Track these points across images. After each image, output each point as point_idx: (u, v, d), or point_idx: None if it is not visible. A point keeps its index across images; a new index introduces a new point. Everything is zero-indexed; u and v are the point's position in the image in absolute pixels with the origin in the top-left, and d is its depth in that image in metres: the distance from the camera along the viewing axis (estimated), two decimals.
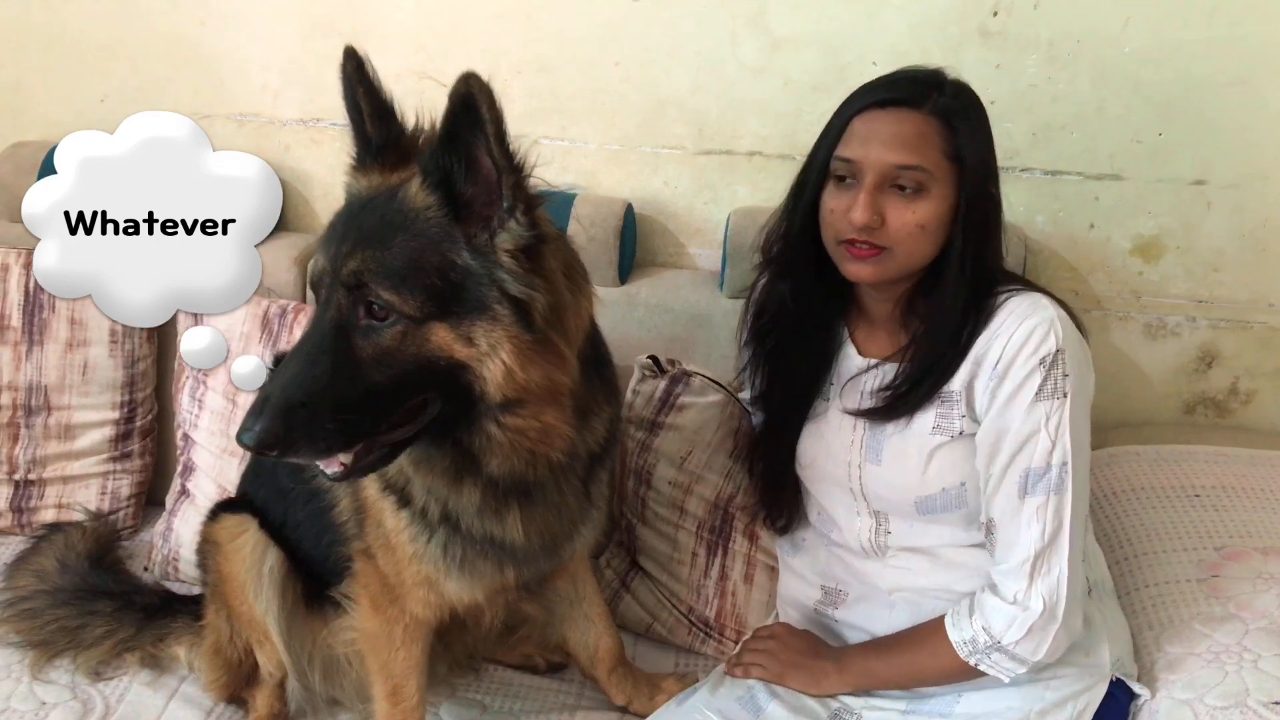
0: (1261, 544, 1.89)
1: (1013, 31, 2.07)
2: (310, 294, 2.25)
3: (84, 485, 2.25)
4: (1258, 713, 1.52)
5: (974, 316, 1.53)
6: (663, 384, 2.00)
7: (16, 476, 2.23)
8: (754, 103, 2.21)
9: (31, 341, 2.20)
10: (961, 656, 1.54)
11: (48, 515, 2.24)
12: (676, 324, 2.19)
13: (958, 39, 2.08)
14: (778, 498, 1.79)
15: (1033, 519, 1.49)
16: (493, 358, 1.27)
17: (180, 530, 2.15)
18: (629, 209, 2.23)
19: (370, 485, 1.57)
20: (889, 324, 1.64)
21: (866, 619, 1.71)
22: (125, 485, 2.28)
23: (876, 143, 1.49)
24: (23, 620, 1.97)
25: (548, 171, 2.22)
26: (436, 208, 1.28)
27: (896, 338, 1.63)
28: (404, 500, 1.53)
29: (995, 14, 2.06)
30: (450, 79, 2.46)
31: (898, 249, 1.51)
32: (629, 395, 2.02)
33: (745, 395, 1.89)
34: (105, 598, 1.97)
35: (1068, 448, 1.48)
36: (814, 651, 1.72)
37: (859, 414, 1.62)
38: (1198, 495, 1.99)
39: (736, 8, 2.15)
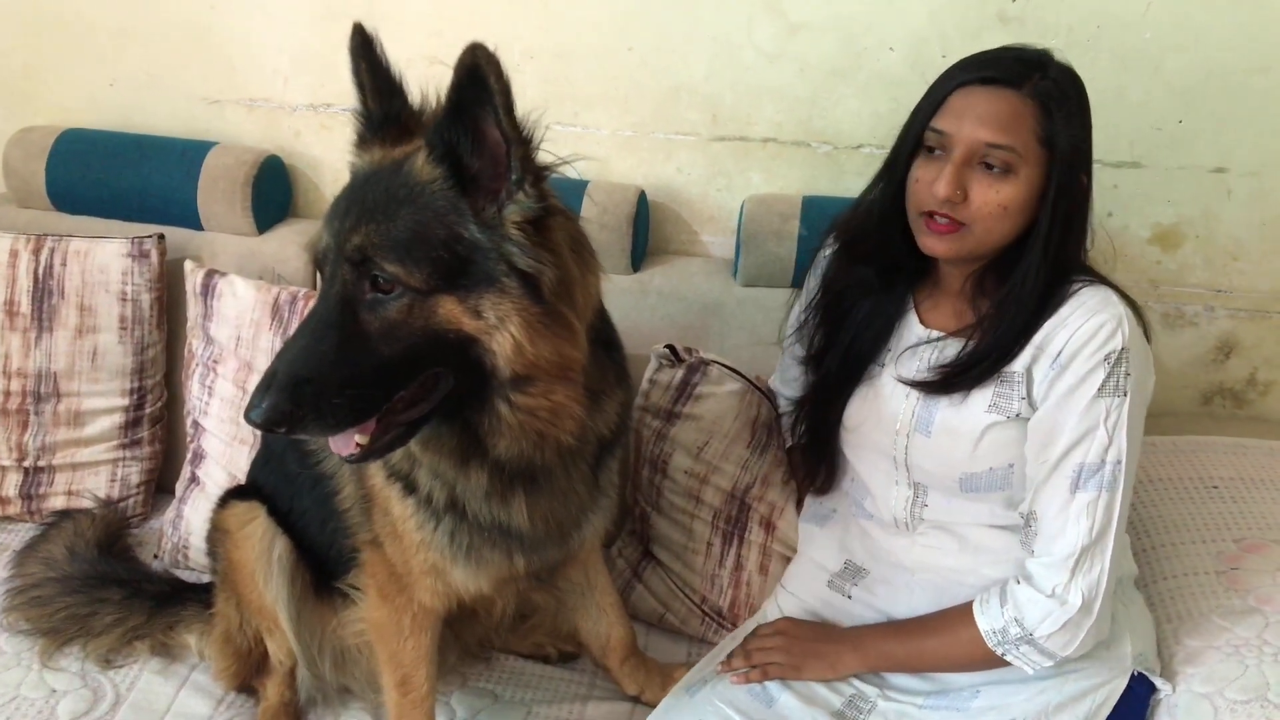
0: None
1: (1032, 16, 2.04)
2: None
3: (94, 472, 2.24)
4: (1278, 707, 1.50)
5: (1046, 303, 1.52)
6: (680, 373, 1.98)
7: (26, 463, 2.22)
8: (769, 88, 2.19)
9: (41, 328, 2.19)
10: (989, 645, 1.53)
11: (57, 502, 2.22)
12: (690, 312, 2.17)
13: (977, 24, 2.05)
14: (819, 456, 1.79)
15: (1082, 514, 1.48)
16: (501, 330, 1.26)
17: (190, 518, 2.14)
18: (642, 196, 2.21)
19: (376, 473, 1.55)
20: (957, 298, 1.63)
21: (887, 601, 1.70)
22: (135, 472, 2.26)
23: (970, 118, 1.48)
24: (32, 608, 1.96)
25: (560, 156, 2.22)
26: (443, 180, 1.26)
27: (963, 313, 1.62)
28: (409, 487, 1.51)
29: None
30: None
31: (976, 226, 1.50)
32: (645, 384, 2.00)
33: (792, 357, 1.87)
34: (115, 585, 1.96)
35: (1123, 446, 1.47)
36: (826, 637, 1.70)
37: (915, 384, 1.60)
38: (1215, 487, 1.96)
39: None
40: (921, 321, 1.66)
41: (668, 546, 2.01)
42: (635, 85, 2.22)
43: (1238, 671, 1.59)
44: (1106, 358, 1.46)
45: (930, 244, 1.54)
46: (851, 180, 2.23)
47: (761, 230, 2.11)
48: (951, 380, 1.57)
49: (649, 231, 2.28)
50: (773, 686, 1.65)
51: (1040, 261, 1.50)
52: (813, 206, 2.13)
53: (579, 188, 2.17)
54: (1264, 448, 2.12)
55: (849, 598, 1.75)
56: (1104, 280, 1.55)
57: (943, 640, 1.60)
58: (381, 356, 1.24)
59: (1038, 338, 1.51)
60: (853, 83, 2.15)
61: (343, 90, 2.35)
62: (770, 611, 1.84)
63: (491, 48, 1.19)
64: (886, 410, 1.66)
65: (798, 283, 2.12)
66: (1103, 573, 1.49)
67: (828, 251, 1.77)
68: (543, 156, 1.28)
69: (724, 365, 1.99)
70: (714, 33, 2.16)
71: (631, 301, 2.16)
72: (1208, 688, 1.59)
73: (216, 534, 1.83)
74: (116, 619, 1.92)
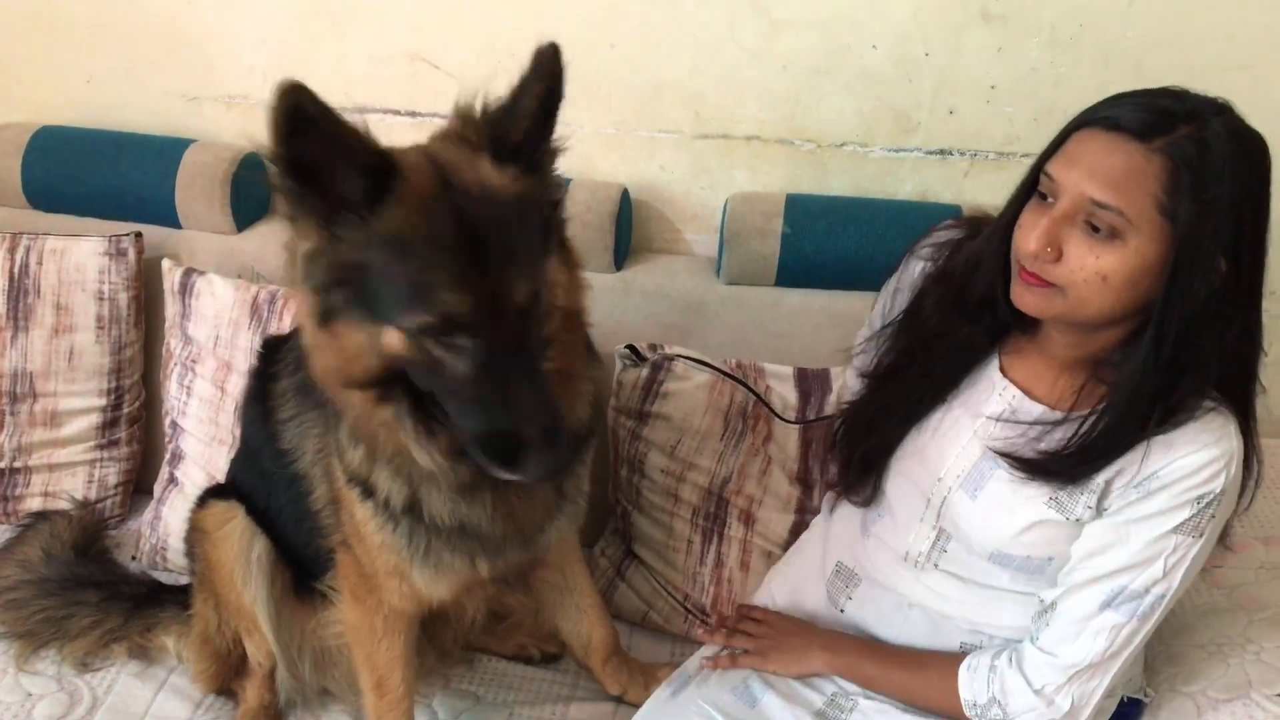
0: (1263, 534, 1.89)
1: (1015, 14, 2.04)
2: None
3: (70, 473, 2.21)
4: (1261, 705, 1.50)
5: (1161, 410, 1.34)
6: (645, 372, 1.97)
7: (1, 464, 2.19)
8: (752, 86, 2.18)
9: (17, 327, 2.16)
10: (965, 711, 1.50)
11: (34, 504, 2.19)
12: (673, 310, 2.16)
13: (960, 21, 2.05)
14: (863, 478, 1.64)
15: (1102, 632, 1.41)
16: (559, 286, 1.30)
17: (169, 518, 2.12)
18: (625, 194, 2.20)
19: (340, 475, 1.53)
20: (1054, 364, 1.47)
21: (876, 620, 1.64)
22: (112, 473, 2.24)
23: (1081, 167, 1.30)
24: (8, 611, 1.94)
25: None
26: (531, 183, 1.24)
27: (1054, 383, 1.47)
28: (367, 491, 1.47)
29: None
30: (444, 61, 2.42)
31: (1071, 293, 1.33)
32: (614, 384, 1.99)
33: (856, 368, 1.72)
34: (91, 588, 1.94)
35: (1175, 584, 1.38)
36: (800, 632, 1.69)
37: (1006, 457, 1.44)
38: None
39: None
40: (1003, 372, 1.51)
41: (649, 545, 2.01)
42: (618, 83, 2.21)
43: (1221, 670, 1.59)
44: (1199, 499, 1.34)
45: (1018, 294, 1.38)
46: (835, 178, 2.22)
47: (745, 228, 2.10)
48: (1051, 470, 1.41)
49: (631, 230, 2.27)
50: (756, 686, 1.64)
51: (1154, 354, 1.31)
52: (796, 204, 2.12)
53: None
54: None
55: (841, 611, 1.70)
56: (1245, 399, 1.39)
57: (918, 681, 1.57)
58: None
59: (1140, 449, 1.36)
60: (836, 80, 2.14)
61: (322, 87, 2.34)
62: (761, 599, 1.83)
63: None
64: (935, 452, 1.54)
65: (783, 281, 2.12)
66: (1098, 689, 1.44)
67: (922, 266, 1.60)
68: None
69: (689, 358, 1.99)
70: (697, 30, 2.15)
71: (615, 300, 2.15)
72: (1191, 687, 1.58)
73: (195, 534, 1.81)
74: (93, 621, 1.90)
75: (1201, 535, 1.36)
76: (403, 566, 1.51)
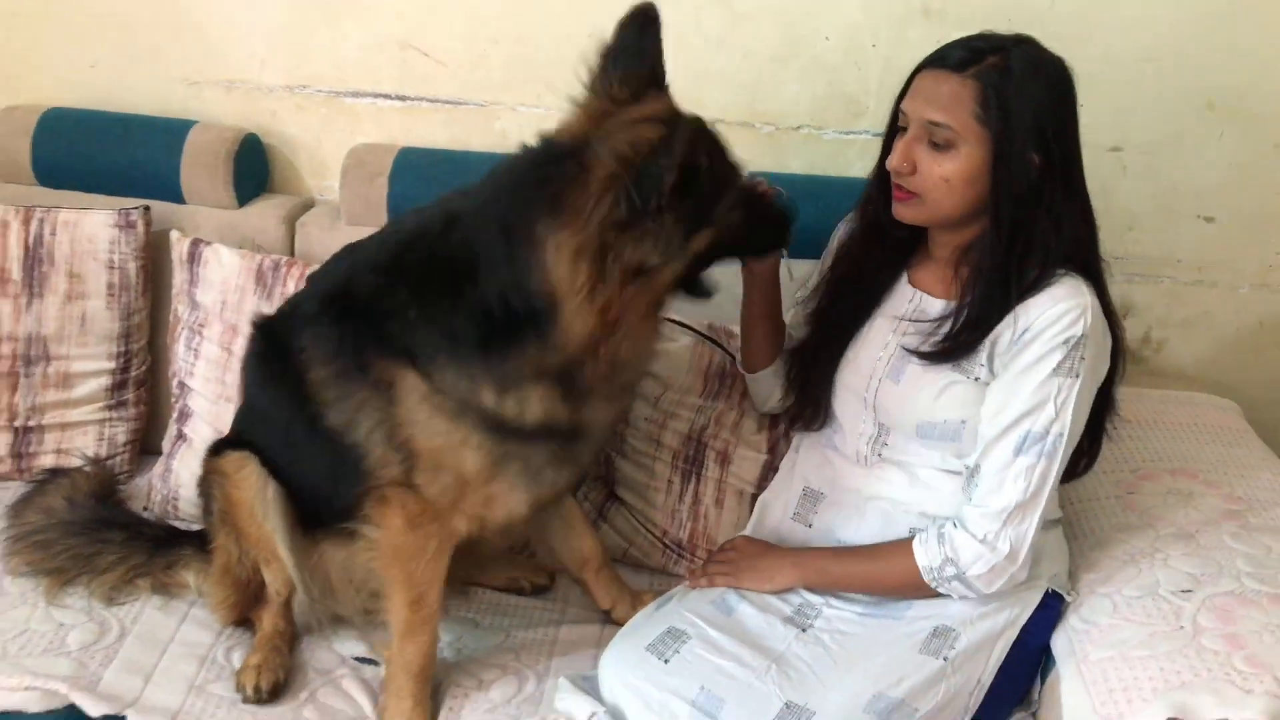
0: (1171, 466, 2.13)
1: (951, 10, 2.27)
2: (300, 249, 2.39)
3: (82, 432, 2.35)
4: (1168, 600, 1.73)
5: (1016, 283, 1.66)
6: None
7: (16, 423, 2.32)
8: (716, 73, 2.38)
9: (31, 294, 2.29)
10: (925, 579, 1.74)
11: (47, 460, 2.32)
12: None
13: (902, 14, 2.29)
14: (816, 401, 1.95)
15: (1020, 475, 1.67)
16: None
17: (179, 471, 2.27)
18: None
19: (434, 430, 1.69)
20: (944, 266, 1.80)
21: (838, 524, 1.89)
22: (121, 432, 2.38)
23: (920, 98, 1.67)
24: (35, 551, 2.06)
25: (523, 135, 2.41)
26: None
27: (945, 279, 1.80)
28: (497, 426, 1.66)
29: None
30: (432, 48, 2.59)
31: (927, 197, 1.69)
32: None
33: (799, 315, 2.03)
34: (115, 528, 2.08)
35: (1067, 422, 1.66)
36: (769, 553, 1.92)
37: (917, 353, 1.76)
38: (1116, 428, 2.20)
39: None
40: (910, 282, 1.86)
41: (631, 487, 2.20)
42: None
43: (1133, 574, 1.82)
44: (1065, 341, 1.64)
45: (896, 210, 1.74)
46: (792, 158, 2.44)
47: None
48: (948, 352, 1.73)
49: None
50: (731, 598, 1.85)
51: (995, 237, 1.66)
52: None
53: None
54: (1156, 396, 2.40)
55: (810, 526, 1.93)
56: (1094, 269, 1.72)
57: (878, 566, 1.81)
58: None
59: (1011, 315, 1.68)
60: (792, 68, 2.37)
61: (317, 72, 2.53)
62: (746, 533, 2.04)
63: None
64: (865, 358, 1.85)
65: None
66: (1029, 528, 1.69)
67: (842, 226, 1.97)
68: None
69: (672, 320, 2.18)
70: (666, 20, 2.32)
71: None
72: (1108, 588, 1.81)
73: (214, 476, 1.95)
74: (119, 558, 2.03)
75: (1078, 376, 1.65)
76: (502, 486, 1.72)
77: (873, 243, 1.87)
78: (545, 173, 1.56)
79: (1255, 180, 2.40)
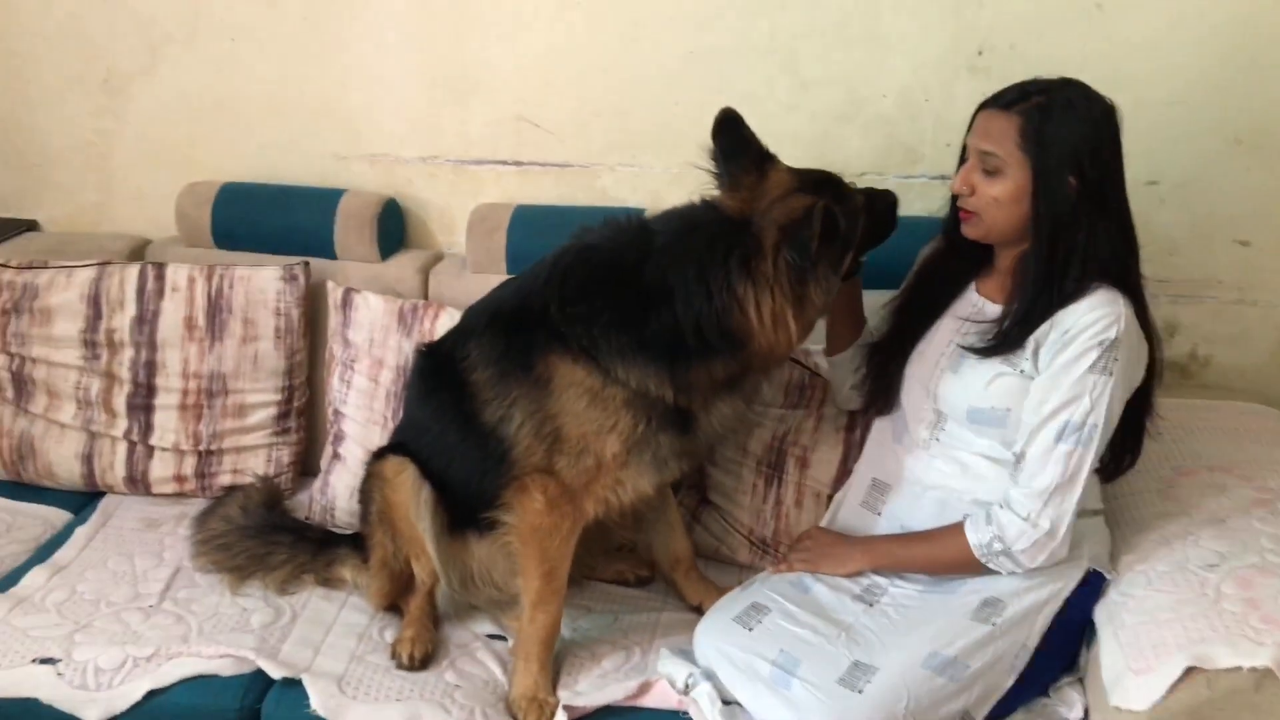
0: (1210, 463, 2.29)
1: (995, 68, 2.54)
2: (433, 294, 2.76)
3: (254, 455, 2.73)
4: (1195, 573, 1.92)
5: (1057, 290, 1.90)
6: None
7: (200, 448, 2.72)
8: (787, 133, 2.61)
9: (213, 338, 2.70)
10: (976, 555, 1.99)
11: (225, 480, 2.71)
12: None
13: (950, 75, 2.58)
14: (889, 388, 2.21)
15: (1060, 460, 1.89)
16: None
17: (335, 485, 2.63)
18: None
19: (589, 413, 2.02)
20: (1004, 276, 2.06)
21: (904, 513, 2.14)
22: (286, 454, 2.75)
23: (977, 133, 1.96)
24: (219, 552, 2.44)
25: (621, 191, 2.80)
26: None
27: (1005, 288, 2.05)
28: (648, 416, 2.01)
29: (980, 53, 2.56)
30: (543, 120, 2.98)
31: (983, 215, 1.97)
32: None
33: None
34: (284, 532, 2.45)
35: (1101, 415, 1.88)
36: (842, 542, 2.19)
37: (969, 349, 2.02)
38: (1161, 433, 2.37)
39: (773, 57, 2.65)
40: (976, 290, 2.12)
41: (721, 491, 2.49)
42: (680, 133, 2.65)
43: (1165, 553, 2.00)
44: (1100, 343, 1.86)
45: (962, 227, 2.03)
46: None
47: None
48: (996, 347, 1.98)
49: None
50: (807, 579, 2.13)
51: (1038, 248, 1.92)
52: None
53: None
54: (1202, 405, 2.58)
55: (879, 514, 2.20)
56: (1133, 286, 1.95)
57: (935, 548, 2.06)
58: None
59: (1054, 318, 1.91)
60: (855, 124, 2.68)
61: (445, 145, 2.93)
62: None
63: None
64: (931, 351, 2.12)
65: None
66: (1069, 508, 1.92)
67: (927, 246, 2.25)
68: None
69: None
70: (742, 89, 2.65)
71: None
72: (1143, 566, 2.00)
73: (374, 480, 2.28)
74: (288, 556, 2.40)
75: (1111, 374, 1.87)
76: (631, 472, 2.06)
77: (949, 257, 2.16)
78: (729, 241, 1.95)
79: None
